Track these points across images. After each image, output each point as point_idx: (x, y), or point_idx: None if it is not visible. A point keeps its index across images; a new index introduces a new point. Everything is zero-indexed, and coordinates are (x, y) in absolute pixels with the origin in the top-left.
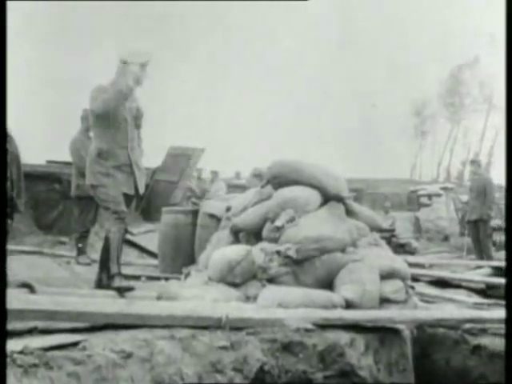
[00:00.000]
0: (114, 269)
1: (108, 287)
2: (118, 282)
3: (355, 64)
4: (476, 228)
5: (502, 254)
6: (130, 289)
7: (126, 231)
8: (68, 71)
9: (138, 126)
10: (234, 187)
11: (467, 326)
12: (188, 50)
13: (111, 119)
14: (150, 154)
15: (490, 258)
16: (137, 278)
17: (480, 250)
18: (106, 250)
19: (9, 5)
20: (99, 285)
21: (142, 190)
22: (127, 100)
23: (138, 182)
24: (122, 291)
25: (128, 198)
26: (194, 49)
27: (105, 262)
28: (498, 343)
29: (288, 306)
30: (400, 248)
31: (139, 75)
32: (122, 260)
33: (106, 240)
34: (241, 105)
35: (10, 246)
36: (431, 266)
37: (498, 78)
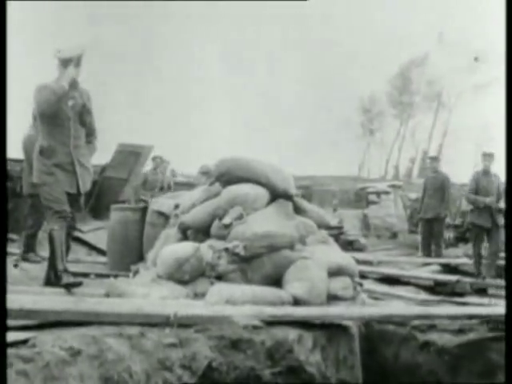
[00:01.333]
0: (59, 266)
1: (56, 285)
2: (65, 279)
3: (304, 62)
4: (430, 226)
5: (452, 251)
6: (77, 284)
7: (75, 228)
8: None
9: (83, 123)
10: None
11: (416, 322)
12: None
13: (52, 117)
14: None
15: (440, 256)
16: (86, 275)
17: (429, 248)
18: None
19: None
20: (48, 282)
21: (85, 189)
22: (64, 97)
23: (81, 181)
24: (69, 288)
25: (73, 197)
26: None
27: (51, 260)
28: (446, 339)
29: (236, 303)
30: (348, 245)
31: (71, 71)
32: (71, 257)
33: (50, 238)
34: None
35: None
36: (379, 263)
37: (447, 75)
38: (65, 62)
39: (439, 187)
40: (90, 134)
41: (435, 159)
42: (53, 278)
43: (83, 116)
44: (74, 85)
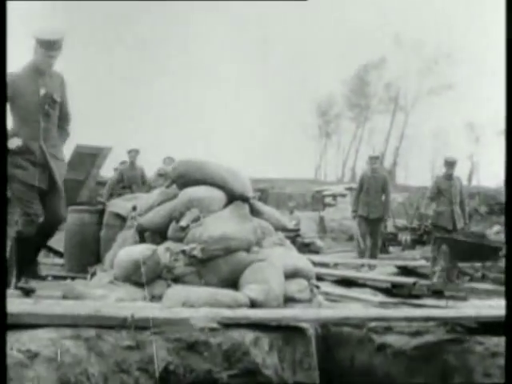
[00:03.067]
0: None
1: (15, 287)
2: (22, 283)
3: (261, 65)
4: (370, 225)
5: (409, 253)
6: (31, 291)
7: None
8: None
9: (48, 113)
10: None
11: (372, 324)
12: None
13: (19, 109)
14: None
15: (375, 256)
16: (43, 277)
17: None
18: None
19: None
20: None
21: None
22: (29, 85)
23: (57, 175)
24: (26, 291)
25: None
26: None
27: (13, 263)
28: (402, 341)
29: (193, 305)
30: (305, 247)
31: (47, 55)
32: None
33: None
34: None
35: None
36: (336, 266)
37: (404, 79)
38: (44, 44)
39: (380, 188)
40: (63, 119)
41: (375, 159)
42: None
43: (48, 109)
44: (47, 70)
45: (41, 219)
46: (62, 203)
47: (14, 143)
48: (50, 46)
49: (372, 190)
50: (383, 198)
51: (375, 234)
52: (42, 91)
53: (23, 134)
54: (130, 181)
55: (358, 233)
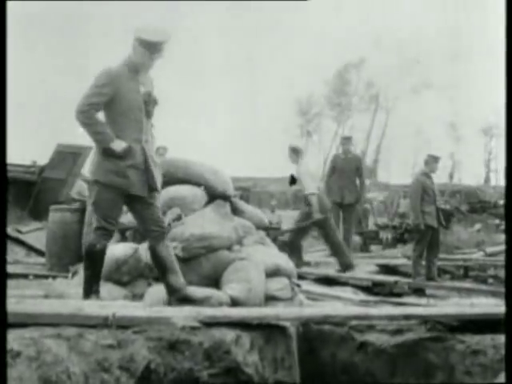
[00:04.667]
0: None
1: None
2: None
3: (242, 64)
4: (347, 213)
5: (390, 252)
6: None
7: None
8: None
9: (149, 114)
10: None
11: (353, 322)
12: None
13: (118, 107)
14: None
15: (349, 245)
16: (25, 276)
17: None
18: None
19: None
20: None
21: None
22: (127, 82)
23: (156, 179)
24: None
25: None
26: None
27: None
28: (383, 339)
29: (174, 304)
30: (286, 246)
31: (147, 56)
32: (10, 258)
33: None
34: None
35: None
36: (317, 264)
37: (384, 77)
38: (146, 45)
39: (354, 170)
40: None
41: (348, 139)
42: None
43: (150, 108)
44: (144, 71)
45: (113, 234)
46: (159, 211)
47: (119, 146)
48: (150, 48)
49: (345, 174)
50: (357, 181)
51: (349, 221)
52: (142, 89)
53: (125, 136)
54: None
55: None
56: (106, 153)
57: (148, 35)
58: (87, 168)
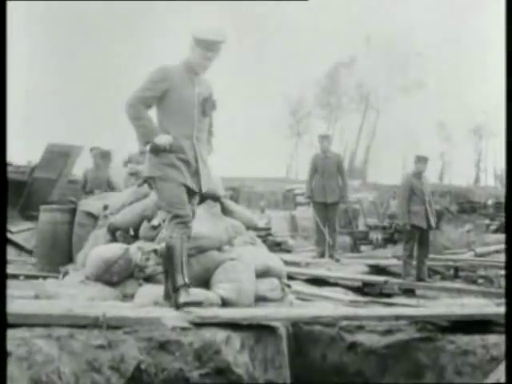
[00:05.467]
0: (179, 281)
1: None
2: (183, 298)
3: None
4: (326, 211)
5: (380, 252)
6: (196, 303)
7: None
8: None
9: (205, 115)
10: None
11: (343, 323)
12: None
13: (172, 102)
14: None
15: (335, 244)
16: (15, 276)
17: (323, 235)
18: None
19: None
20: (167, 297)
21: (205, 189)
22: (183, 81)
23: (203, 180)
24: (185, 307)
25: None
26: None
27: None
28: (374, 340)
29: (164, 304)
30: (276, 246)
31: (203, 55)
32: None
33: (168, 248)
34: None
35: None
36: (308, 265)
37: (375, 78)
38: (201, 44)
39: (335, 169)
40: (209, 130)
41: (325, 137)
42: (171, 294)
43: (206, 108)
44: (200, 71)
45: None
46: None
47: (162, 140)
48: (207, 47)
49: (326, 173)
50: (339, 180)
51: (333, 220)
52: (197, 89)
53: (176, 131)
54: (92, 184)
55: (317, 221)
56: (152, 148)
57: (204, 34)
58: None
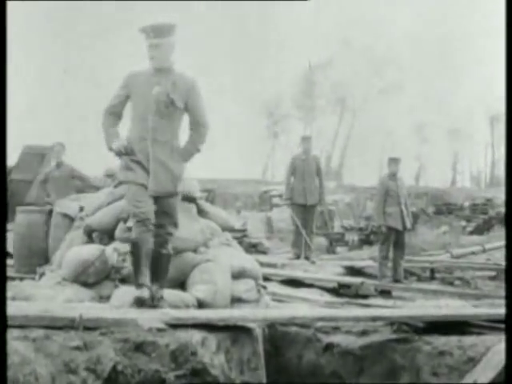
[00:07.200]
0: (139, 280)
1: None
2: (138, 293)
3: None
4: (303, 212)
5: (357, 253)
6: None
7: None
8: None
9: (162, 115)
10: None
11: (319, 324)
12: None
13: (133, 105)
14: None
15: (311, 241)
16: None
17: (301, 238)
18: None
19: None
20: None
21: (160, 190)
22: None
23: (153, 181)
24: (139, 303)
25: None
26: None
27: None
28: (350, 341)
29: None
30: (252, 248)
31: (150, 43)
32: None
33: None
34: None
35: None
36: (283, 266)
37: (351, 80)
38: (144, 31)
39: (314, 171)
40: (193, 130)
41: (307, 139)
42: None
43: (161, 107)
44: (155, 64)
45: (151, 226)
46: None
47: (115, 144)
48: (148, 33)
49: (306, 175)
50: (317, 182)
51: (311, 222)
52: (156, 89)
53: (132, 134)
54: (55, 184)
55: (296, 222)
56: (114, 153)
57: (145, 24)
58: None
